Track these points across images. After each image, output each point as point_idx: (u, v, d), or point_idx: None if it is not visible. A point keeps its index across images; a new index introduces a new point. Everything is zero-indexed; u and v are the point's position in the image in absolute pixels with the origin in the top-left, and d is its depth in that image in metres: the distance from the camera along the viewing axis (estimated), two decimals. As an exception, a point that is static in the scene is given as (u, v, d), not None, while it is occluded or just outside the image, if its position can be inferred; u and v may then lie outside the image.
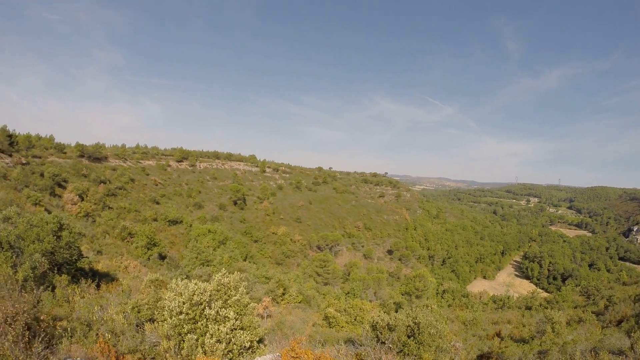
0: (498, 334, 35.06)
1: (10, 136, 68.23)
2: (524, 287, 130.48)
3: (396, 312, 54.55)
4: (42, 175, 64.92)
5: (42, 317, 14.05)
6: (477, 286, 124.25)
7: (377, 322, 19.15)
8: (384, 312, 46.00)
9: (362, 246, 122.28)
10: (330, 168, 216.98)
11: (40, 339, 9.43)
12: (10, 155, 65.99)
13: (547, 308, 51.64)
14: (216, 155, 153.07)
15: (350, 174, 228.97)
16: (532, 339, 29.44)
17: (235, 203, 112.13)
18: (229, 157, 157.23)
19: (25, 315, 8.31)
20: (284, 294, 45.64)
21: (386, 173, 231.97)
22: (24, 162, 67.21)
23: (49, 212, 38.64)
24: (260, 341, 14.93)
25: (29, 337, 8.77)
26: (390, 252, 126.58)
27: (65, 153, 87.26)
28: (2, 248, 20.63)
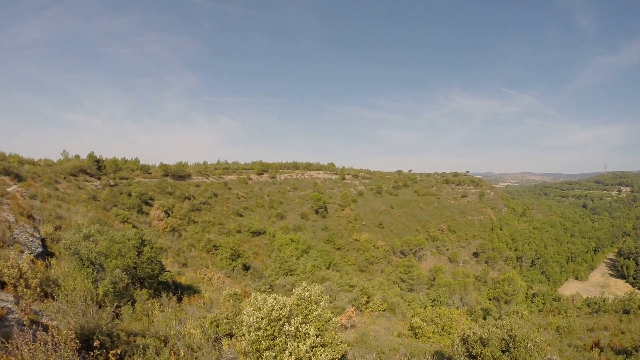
0: (597, 344, 31.05)
1: (97, 161, 72.78)
2: (620, 288, 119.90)
3: (484, 319, 51.85)
4: (129, 195, 67.98)
5: (117, 333, 13.54)
6: (569, 288, 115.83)
7: (468, 335, 17.24)
8: (472, 320, 43.33)
9: (447, 249, 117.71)
10: (410, 171, 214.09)
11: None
12: (99, 179, 70.32)
13: (646, 311, 46.49)
14: (295, 166, 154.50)
15: (431, 175, 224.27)
16: (637, 350, 25.80)
17: (316, 212, 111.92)
18: (308, 166, 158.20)
19: (74, 343, 7.34)
20: (367, 302, 44.20)
21: (467, 172, 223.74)
22: (112, 183, 71.19)
23: (137, 228, 39.59)
24: (342, 358, 13.55)
25: None
26: (476, 254, 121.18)
27: (150, 173, 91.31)
28: (84, 264, 20.64)
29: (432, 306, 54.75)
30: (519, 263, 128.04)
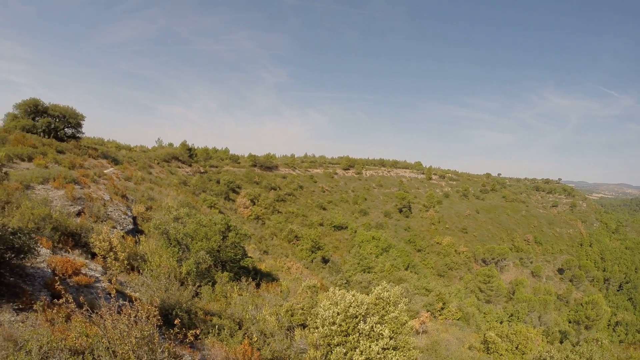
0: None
1: (189, 149, 77.44)
2: None
3: (561, 342, 48.57)
4: (218, 182, 71.12)
5: (195, 311, 13.98)
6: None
7: (544, 359, 16.20)
8: (548, 343, 40.70)
9: (531, 262, 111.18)
10: (499, 174, 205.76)
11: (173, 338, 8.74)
12: (190, 165, 74.63)
13: None
14: (382, 163, 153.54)
15: (521, 180, 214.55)
16: None
17: (400, 211, 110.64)
18: (395, 164, 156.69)
19: (156, 319, 7.58)
20: (442, 308, 43.31)
21: (560, 179, 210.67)
22: (202, 171, 75.04)
23: (223, 214, 41.08)
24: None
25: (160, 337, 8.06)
26: (560, 270, 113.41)
27: (239, 163, 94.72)
28: (170, 244, 21.59)
29: (509, 322, 52.51)
30: (606, 285, 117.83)
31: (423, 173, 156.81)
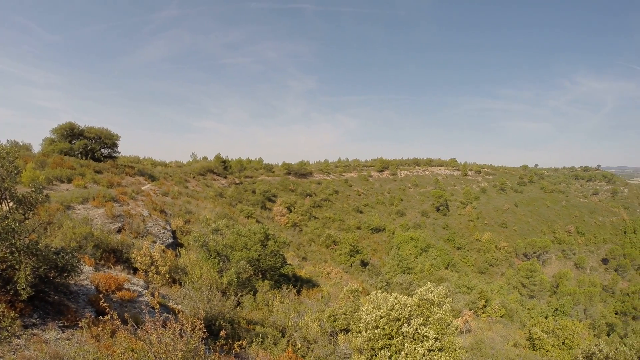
0: None
1: (224, 162, 79.41)
2: None
3: (608, 335, 46.83)
4: (253, 192, 71.99)
5: (238, 321, 14.09)
6: None
7: (593, 353, 15.72)
8: (595, 336, 39.40)
9: (574, 254, 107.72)
10: (536, 165, 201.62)
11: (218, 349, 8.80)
12: (225, 177, 76.11)
13: None
14: (416, 162, 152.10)
15: (559, 170, 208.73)
16: None
17: (437, 209, 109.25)
18: (429, 162, 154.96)
19: (202, 331, 7.66)
20: (485, 306, 42.67)
21: (599, 166, 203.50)
22: (237, 182, 76.37)
23: (261, 223, 41.45)
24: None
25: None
26: (605, 260, 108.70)
27: (273, 172, 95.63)
28: (210, 255, 21.87)
29: (554, 316, 51.29)
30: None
31: (458, 169, 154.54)
